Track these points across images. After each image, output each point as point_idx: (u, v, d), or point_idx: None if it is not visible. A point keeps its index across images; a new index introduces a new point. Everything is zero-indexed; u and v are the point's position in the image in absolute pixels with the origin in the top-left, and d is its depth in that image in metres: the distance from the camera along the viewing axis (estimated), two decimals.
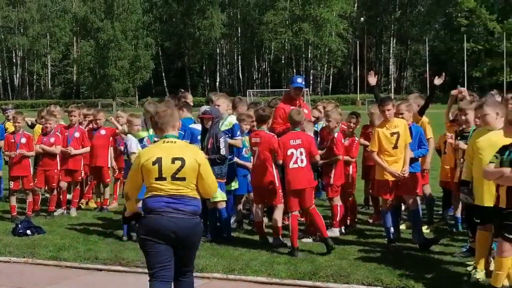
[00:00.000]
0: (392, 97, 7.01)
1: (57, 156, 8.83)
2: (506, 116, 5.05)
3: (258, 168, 6.95)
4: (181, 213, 4.09)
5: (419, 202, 7.01)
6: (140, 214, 4.33)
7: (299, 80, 7.94)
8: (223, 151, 6.78)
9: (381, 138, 6.54)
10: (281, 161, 6.64)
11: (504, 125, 5.05)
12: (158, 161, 4.12)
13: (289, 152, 6.56)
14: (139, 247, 4.29)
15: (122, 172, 8.94)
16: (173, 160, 4.12)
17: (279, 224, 6.88)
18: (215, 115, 6.94)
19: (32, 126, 10.11)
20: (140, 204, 4.32)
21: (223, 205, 6.94)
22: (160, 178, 4.11)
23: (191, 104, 8.43)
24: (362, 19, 74.09)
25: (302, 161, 6.57)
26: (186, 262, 4.21)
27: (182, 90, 8.87)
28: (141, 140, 7.32)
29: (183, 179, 4.13)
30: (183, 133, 7.24)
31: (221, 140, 6.81)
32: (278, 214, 6.88)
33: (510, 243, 4.81)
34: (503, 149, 4.91)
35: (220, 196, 6.86)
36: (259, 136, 6.96)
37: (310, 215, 6.75)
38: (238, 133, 7.43)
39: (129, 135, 7.31)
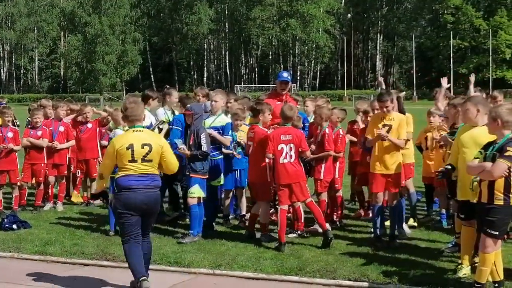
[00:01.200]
0: (382, 93, 6.95)
1: (44, 150, 8.77)
2: (490, 113, 5.10)
3: (252, 164, 7.00)
4: (149, 188, 5.19)
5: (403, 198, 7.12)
6: (105, 191, 5.63)
7: (285, 74, 7.92)
8: (204, 147, 6.78)
9: (373, 127, 6.64)
10: (271, 155, 6.66)
11: (488, 121, 5.10)
12: (131, 146, 5.14)
13: (279, 147, 6.60)
14: (115, 218, 5.47)
15: None
16: (143, 145, 5.16)
17: (267, 220, 6.91)
18: (195, 111, 6.93)
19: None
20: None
21: (195, 201, 6.88)
22: (133, 160, 5.14)
23: (175, 100, 8.35)
24: (349, 15, 74.28)
25: (291, 156, 6.63)
26: (148, 226, 5.40)
27: (168, 87, 8.81)
28: None
29: (150, 160, 5.20)
30: (181, 129, 7.26)
31: (202, 136, 6.82)
32: (265, 210, 6.90)
33: (492, 238, 4.87)
34: (487, 145, 4.98)
35: (197, 192, 6.86)
36: (254, 131, 6.99)
37: (309, 208, 6.85)
38: (230, 132, 7.42)
39: (117, 130, 7.25)
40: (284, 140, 6.62)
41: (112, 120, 7.93)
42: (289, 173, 6.62)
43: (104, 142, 8.87)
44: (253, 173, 6.94)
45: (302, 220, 7.13)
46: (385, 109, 6.55)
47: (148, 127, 7.55)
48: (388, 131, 6.53)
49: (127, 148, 5.12)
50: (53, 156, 8.87)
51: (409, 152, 7.34)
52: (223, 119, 7.47)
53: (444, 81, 7.53)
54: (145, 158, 5.14)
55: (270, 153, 6.63)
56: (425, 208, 8.25)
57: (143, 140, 5.16)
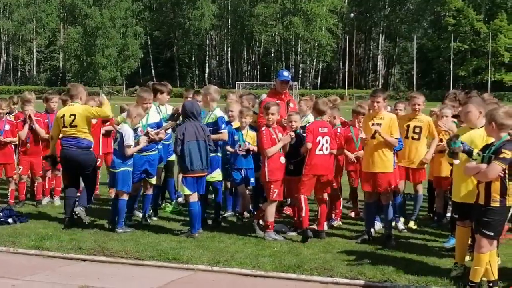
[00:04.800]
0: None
1: (40, 143, 8.63)
2: (486, 116, 5.16)
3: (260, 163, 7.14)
4: (73, 147, 7.26)
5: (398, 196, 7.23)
6: (54, 155, 7.56)
7: (286, 73, 7.88)
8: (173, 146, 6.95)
9: (364, 127, 6.83)
10: (310, 145, 6.74)
11: (485, 124, 5.16)
12: (63, 116, 7.33)
13: (317, 139, 6.77)
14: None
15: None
16: (70, 115, 7.29)
17: (271, 219, 6.87)
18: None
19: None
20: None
21: (189, 199, 6.88)
22: (64, 126, 7.30)
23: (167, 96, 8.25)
24: (352, 15, 74.20)
25: (326, 148, 6.84)
26: (85, 176, 7.42)
27: (151, 83, 8.67)
28: (135, 130, 7.21)
29: (76, 126, 7.25)
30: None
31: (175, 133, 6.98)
32: (269, 209, 6.88)
33: (488, 239, 4.94)
34: (485, 147, 5.04)
35: (182, 189, 6.92)
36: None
37: (318, 204, 7.03)
38: (223, 126, 7.39)
39: (125, 126, 7.16)
40: (321, 132, 6.81)
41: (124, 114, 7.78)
42: (323, 165, 6.83)
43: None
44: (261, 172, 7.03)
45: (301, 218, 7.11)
46: (375, 104, 6.67)
47: (158, 125, 7.49)
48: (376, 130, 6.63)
49: (61, 118, 7.31)
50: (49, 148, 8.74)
51: (420, 155, 7.38)
52: (215, 115, 7.42)
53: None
54: (71, 124, 7.23)
55: (310, 142, 6.72)
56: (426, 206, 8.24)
57: (71, 111, 7.29)
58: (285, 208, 8.08)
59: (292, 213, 7.65)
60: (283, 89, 7.79)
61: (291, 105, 7.67)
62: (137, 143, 7.10)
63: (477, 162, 4.98)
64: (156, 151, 7.49)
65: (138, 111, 7.18)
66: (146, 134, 7.25)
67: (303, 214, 6.73)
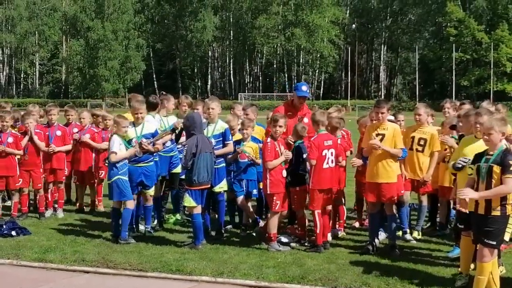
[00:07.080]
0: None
1: (40, 155, 8.65)
2: (485, 125, 5.12)
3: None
4: None
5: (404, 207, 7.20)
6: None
7: (304, 88, 7.65)
8: (182, 160, 6.89)
9: (368, 136, 6.78)
10: (314, 161, 6.69)
11: (485, 133, 5.10)
12: None
13: (323, 153, 6.73)
14: None
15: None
16: None
17: (274, 231, 6.86)
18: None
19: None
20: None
21: (193, 211, 6.88)
22: None
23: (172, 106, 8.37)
24: (353, 26, 74.54)
25: (332, 161, 6.81)
26: None
27: (164, 93, 8.72)
28: (129, 142, 7.25)
29: None
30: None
31: (185, 147, 6.95)
32: (272, 221, 6.86)
33: (489, 248, 4.94)
34: (477, 157, 5.06)
35: (186, 202, 6.90)
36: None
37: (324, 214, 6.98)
38: (230, 137, 7.40)
39: (114, 136, 7.18)
40: (326, 145, 6.77)
41: (114, 126, 7.83)
42: (331, 178, 6.81)
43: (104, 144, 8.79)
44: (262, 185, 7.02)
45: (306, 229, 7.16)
46: (380, 116, 6.66)
47: (154, 135, 7.51)
48: (381, 140, 6.62)
49: None
50: (51, 160, 8.73)
51: (425, 167, 7.35)
52: (222, 126, 7.44)
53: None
54: None
55: (314, 159, 6.67)
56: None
57: None
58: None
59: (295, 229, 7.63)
60: (301, 104, 7.63)
61: (305, 120, 7.48)
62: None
63: (472, 174, 5.04)
64: (152, 163, 7.48)
65: (123, 118, 7.25)
66: (140, 145, 7.24)
67: (318, 231, 6.72)
